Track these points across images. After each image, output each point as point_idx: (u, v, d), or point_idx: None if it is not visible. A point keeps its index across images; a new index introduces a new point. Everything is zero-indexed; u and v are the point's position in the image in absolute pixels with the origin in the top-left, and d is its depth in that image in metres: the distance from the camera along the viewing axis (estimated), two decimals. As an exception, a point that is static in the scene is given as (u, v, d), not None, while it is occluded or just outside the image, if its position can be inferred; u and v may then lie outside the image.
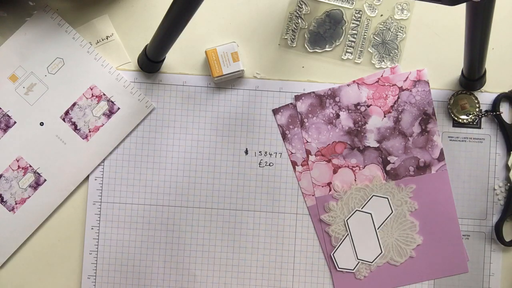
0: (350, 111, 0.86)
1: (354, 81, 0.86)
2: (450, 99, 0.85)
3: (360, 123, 0.86)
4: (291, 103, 0.86)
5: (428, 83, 0.86)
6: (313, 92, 0.86)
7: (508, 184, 0.85)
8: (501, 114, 0.85)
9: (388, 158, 0.86)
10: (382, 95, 0.86)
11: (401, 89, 0.86)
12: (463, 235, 0.86)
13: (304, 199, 0.86)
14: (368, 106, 0.86)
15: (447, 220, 0.85)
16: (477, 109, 0.85)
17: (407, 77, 0.86)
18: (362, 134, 0.86)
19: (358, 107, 0.86)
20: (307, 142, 0.86)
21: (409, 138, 0.86)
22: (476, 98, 0.85)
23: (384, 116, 0.86)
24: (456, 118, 0.85)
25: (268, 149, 0.86)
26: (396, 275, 0.85)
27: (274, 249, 0.86)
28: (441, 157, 0.86)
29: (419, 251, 0.85)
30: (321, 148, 0.86)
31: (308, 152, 0.86)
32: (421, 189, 0.85)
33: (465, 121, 0.85)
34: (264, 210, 0.86)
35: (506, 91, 0.86)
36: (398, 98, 0.86)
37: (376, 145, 0.86)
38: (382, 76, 0.86)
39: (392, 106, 0.86)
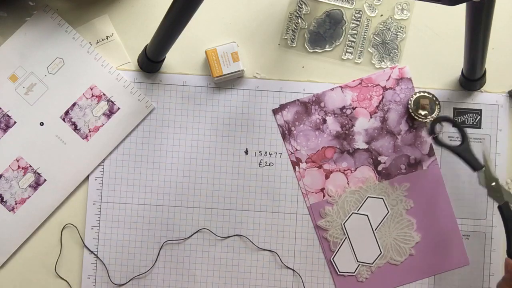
0: (336, 115, 0.86)
1: (339, 86, 0.86)
2: (411, 98, 0.84)
3: (347, 126, 0.86)
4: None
5: (411, 80, 0.86)
6: (298, 100, 0.86)
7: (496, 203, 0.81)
8: (440, 136, 0.84)
9: (379, 158, 0.86)
10: (366, 96, 0.86)
11: (384, 88, 0.86)
12: (463, 235, 0.86)
13: (304, 199, 0.86)
14: (354, 108, 0.86)
15: (444, 215, 0.85)
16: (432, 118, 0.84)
17: (390, 76, 0.86)
18: (351, 137, 0.86)
19: (344, 110, 0.86)
20: (297, 150, 0.86)
21: (397, 136, 0.86)
22: (437, 99, 0.84)
23: (371, 117, 0.86)
24: (415, 116, 0.84)
25: (268, 149, 0.86)
26: (398, 274, 0.85)
27: (274, 249, 0.86)
28: (431, 152, 0.86)
29: (418, 248, 0.85)
30: (311, 154, 0.86)
31: (298, 160, 0.86)
32: (415, 186, 0.86)
33: (423, 119, 0.84)
34: (264, 210, 0.86)
35: (506, 91, 0.86)
36: (383, 97, 0.86)
37: (366, 146, 0.86)
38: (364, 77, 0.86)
39: (377, 106, 0.86)
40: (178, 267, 0.86)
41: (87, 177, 0.86)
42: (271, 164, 0.86)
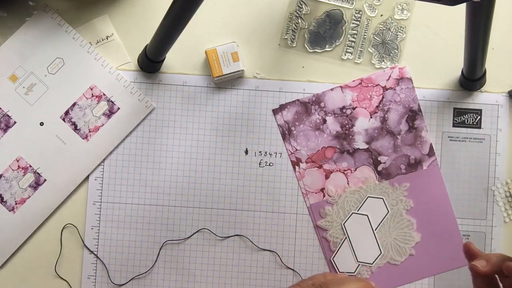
0: (336, 115, 0.86)
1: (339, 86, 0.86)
2: None
3: (347, 126, 0.86)
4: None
5: (411, 79, 0.86)
6: (298, 100, 0.86)
7: None
8: None
9: (379, 158, 0.86)
10: (366, 96, 0.86)
11: (384, 88, 0.86)
12: (463, 235, 0.86)
13: (304, 199, 0.86)
14: (354, 108, 0.86)
15: (443, 215, 0.85)
16: None
17: (390, 76, 0.86)
18: (351, 137, 0.86)
19: (344, 110, 0.86)
20: (297, 150, 0.86)
21: (398, 136, 0.86)
22: None
23: (371, 117, 0.86)
24: None
25: (268, 149, 0.86)
26: (398, 274, 0.85)
27: (274, 249, 0.86)
28: (431, 153, 0.86)
29: (418, 248, 0.85)
30: (311, 154, 0.86)
31: (298, 160, 0.86)
32: (415, 186, 0.86)
33: None
34: (264, 210, 0.86)
35: (506, 91, 0.86)
36: (383, 97, 0.86)
37: (366, 146, 0.86)
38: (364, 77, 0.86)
39: (377, 106, 0.86)
40: (178, 267, 0.86)
41: (87, 177, 0.86)
42: (271, 164, 0.86)
